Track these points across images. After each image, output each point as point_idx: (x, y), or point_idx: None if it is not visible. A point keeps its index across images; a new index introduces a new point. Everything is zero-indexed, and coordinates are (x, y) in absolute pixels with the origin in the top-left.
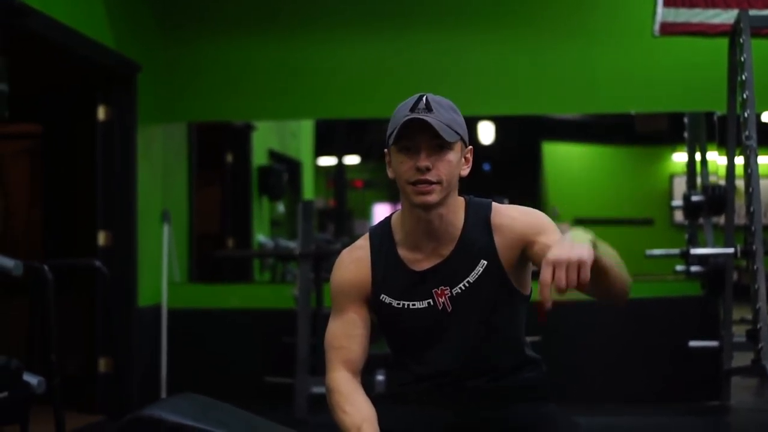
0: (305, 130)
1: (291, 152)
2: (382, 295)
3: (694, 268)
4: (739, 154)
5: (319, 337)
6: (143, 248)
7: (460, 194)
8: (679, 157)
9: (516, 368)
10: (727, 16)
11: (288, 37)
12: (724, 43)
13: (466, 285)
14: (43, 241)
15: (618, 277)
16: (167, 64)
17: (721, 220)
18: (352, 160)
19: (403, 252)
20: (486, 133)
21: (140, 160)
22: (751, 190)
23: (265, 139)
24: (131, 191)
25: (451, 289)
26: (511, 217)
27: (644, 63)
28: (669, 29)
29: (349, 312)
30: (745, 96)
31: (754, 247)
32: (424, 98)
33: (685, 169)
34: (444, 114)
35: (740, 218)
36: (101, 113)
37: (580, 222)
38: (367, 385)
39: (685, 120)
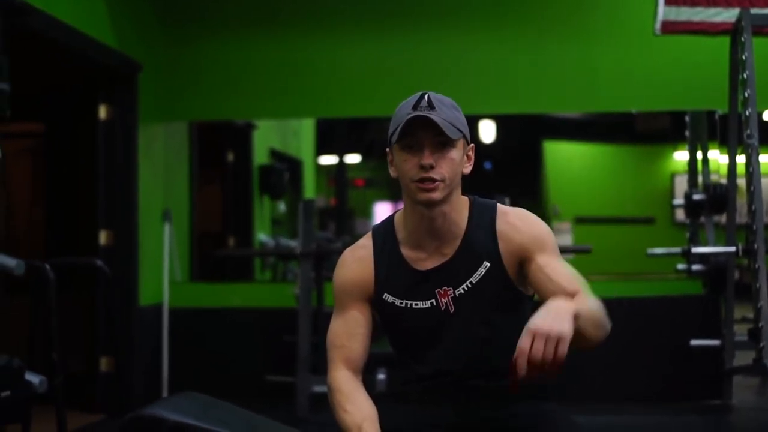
0: (306, 128)
1: (292, 151)
2: (385, 294)
3: (695, 267)
4: (741, 153)
5: (320, 336)
6: (144, 247)
7: (462, 193)
8: (681, 156)
9: None
10: (728, 15)
11: (289, 36)
12: (725, 41)
13: (469, 286)
14: (45, 240)
15: (594, 337)
16: (168, 63)
17: (723, 218)
18: (353, 158)
19: (406, 251)
20: (487, 131)
21: (141, 159)
22: (752, 188)
23: (266, 138)
24: (132, 190)
25: (454, 289)
26: (515, 226)
27: (645, 61)
28: (670, 28)
29: (351, 311)
30: (746, 94)
31: (755, 246)
32: (426, 96)
33: (686, 167)
34: (446, 111)
35: (741, 217)
36: (103, 112)
37: (582, 220)
38: (368, 384)
39: (687, 118)
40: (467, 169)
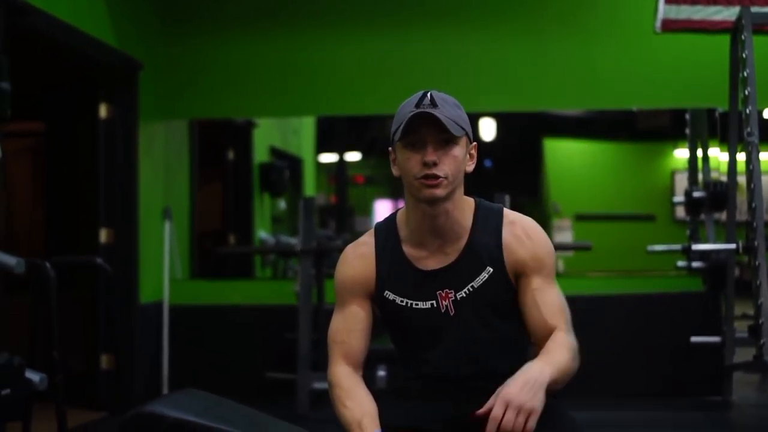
0: (306, 126)
1: (292, 149)
2: (386, 292)
3: (695, 264)
4: (741, 151)
5: (320, 333)
6: (145, 245)
7: (465, 192)
8: (681, 153)
9: (514, 370)
10: (728, 13)
11: (289, 35)
12: (725, 39)
13: (471, 290)
14: (45, 239)
15: (561, 385)
16: (169, 61)
17: (723, 216)
18: (353, 156)
19: (407, 249)
20: (487, 129)
21: (142, 158)
22: (752, 186)
23: (267, 136)
24: (133, 188)
25: (456, 293)
26: (520, 239)
27: (646, 59)
28: (670, 26)
29: (351, 307)
30: (746, 92)
31: (755, 243)
32: (428, 94)
33: (686, 165)
34: (449, 109)
35: (742, 214)
36: (103, 111)
37: (582, 218)
38: (369, 381)
39: (687, 116)
40: (470, 167)
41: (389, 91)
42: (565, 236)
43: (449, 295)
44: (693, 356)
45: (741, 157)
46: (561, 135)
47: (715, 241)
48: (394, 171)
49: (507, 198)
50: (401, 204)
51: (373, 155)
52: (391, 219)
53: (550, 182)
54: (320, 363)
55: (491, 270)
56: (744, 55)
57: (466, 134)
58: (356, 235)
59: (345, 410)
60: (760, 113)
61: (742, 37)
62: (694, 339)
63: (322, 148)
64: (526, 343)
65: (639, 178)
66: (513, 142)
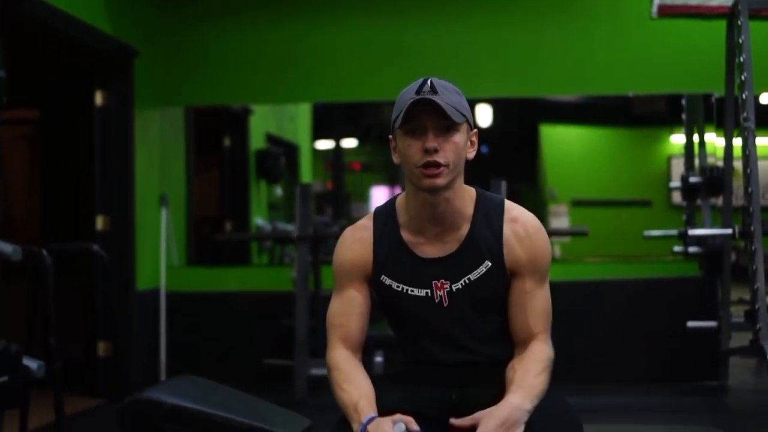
0: (303, 113)
1: (288, 136)
2: (383, 276)
3: (692, 249)
4: (737, 136)
5: (317, 320)
6: (141, 232)
7: (465, 180)
8: (677, 139)
9: (507, 361)
10: None
11: (285, 21)
12: (722, 24)
13: (466, 282)
14: (42, 226)
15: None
16: (164, 48)
17: (719, 201)
18: (349, 143)
19: (406, 235)
20: (484, 115)
21: (138, 145)
22: (748, 171)
23: (263, 123)
24: (129, 176)
25: (451, 284)
26: (520, 238)
27: (642, 45)
28: (667, 11)
29: (349, 291)
30: (743, 77)
31: (752, 228)
32: (429, 81)
33: (683, 150)
34: (450, 96)
35: (738, 199)
36: (99, 98)
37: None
38: (366, 366)
39: (683, 101)
40: (471, 154)
41: (386, 78)
42: (562, 222)
43: (444, 286)
44: (689, 341)
45: (737, 142)
46: (557, 121)
47: (711, 226)
48: (395, 158)
49: (503, 184)
50: (398, 190)
51: (370, 142)
52: (390, 204)
53: (547, 168)
54: (317, 349)
55: (489, 264)
56: (740, 41)
57: (467, 121)
58: (353, 221)
59: (342, 393)
60: (756, 98)
61: (739, 22)
62: (690, 324)
63: (318, 134)
64: None
65: (635, 164)
66: (509, 128)
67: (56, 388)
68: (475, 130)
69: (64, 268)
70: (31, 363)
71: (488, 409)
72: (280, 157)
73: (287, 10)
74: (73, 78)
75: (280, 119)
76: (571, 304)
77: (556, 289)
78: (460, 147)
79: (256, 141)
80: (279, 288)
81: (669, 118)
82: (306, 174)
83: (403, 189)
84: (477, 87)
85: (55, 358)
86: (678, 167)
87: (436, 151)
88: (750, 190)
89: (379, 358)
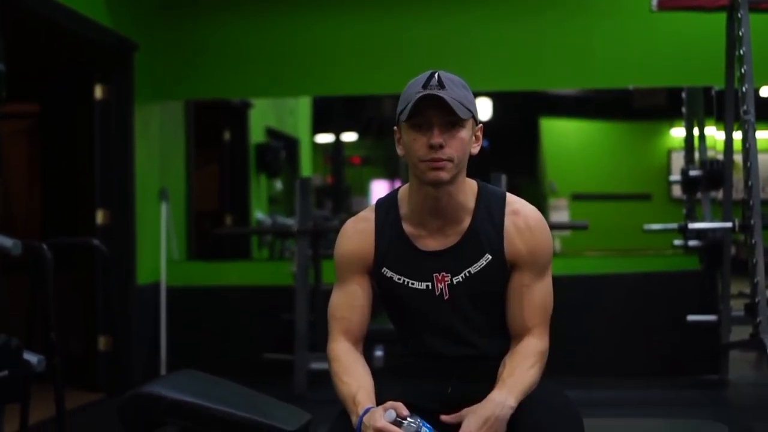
0: (303, 107)
1: (288, 129)
2: (384, 269)
3: (692, 243)
4: (737, 129)
5: (317, 314)
6: (141, 226)
7: (467, 174)
8: (677, 132)
9: (506, 353)
10: None
11: (285, 14)
12: (722, 17)
13: (467, 275)
14: (42, 221)
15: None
16: (164, 42)
17: (719, 194)
18: (349, 136)
19: (407, 227)
20: (484, 109)
21: (138, 139)
22: (748, 164)
23: (263, 117)
24: (129, 170)
25: (452, 276)
26: (521, 231)
27: (642, 38)
28: (667, 3)
29: (351, 283)
30: (743, 70)
31: (752, 222)
32: (436, 75)
33: (683, 143)
34: (457, 91)
35: (738, 193)
36: (98, 92)
37: (578, 197)
38: (366, 360)
39: (683, 95)
40: (475, 149)
41: (386, 72)
42: (562, 216)
43: (445, 279)
44: (689, 335)
45: (737, 135)
46: (557, 114)
47: (711, 220)
48: (399, 150)
49: (503, 177)
50: (398, 184)
51: (370, 136)
52: (392, 196)
53: (547, 162)
54: (318, 343)
55: (490, 257)
56: (740, 33)
57: (473, 116)
58: (353, 215)
59: (342, 386)
60: (756, 91)
61: (739, 15)
62: (690, 317)
63: (318, 128)
64: None
65: (635, 157)
66: (509, 122)
67: (56, 383)
68: (481, 125)
69: (64, 263)
70: (31, 357)
71: (472, 407)
72: (280, 151)
73: (287, 4)
74: (73, 72)
75: (280, 113)
76: (571, 298)
77: (557, 283)
78: (465, 142)
79: (256, 135)
80: (279, 282)
81: (669, 111)
82: (306, 168)
83: (403, 183)
84: (477, 81)
85: (56, 353)
86: (678, 160)
87: (441, 147)
88: (750, 183)
89: (379, 352)
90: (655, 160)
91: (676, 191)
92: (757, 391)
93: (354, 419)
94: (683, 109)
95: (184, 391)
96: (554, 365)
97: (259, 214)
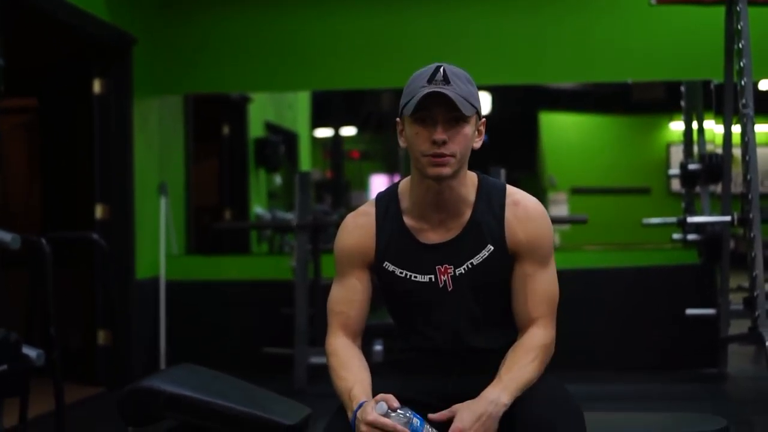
0: (302, 101)
1: (287, 124)
2: (386, 263)
3: (690, 237)
4: (736, 123)
5: (317, 308)
6: (140, 221)
7: (468, 167)
8: (676, 126)
9: (509, 346)
10: None
11: (284, 9)
12: (720, 11)
13: (470, 266)
14: (42, 215)
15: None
16: (163, 36)
17: (718, 188)
18: (348, 131)
19: (408, 220)
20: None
21: (136, 133)
22: (747, 158)
23: (262, 111)
24: (128, 164)
25: (455, 268)
26: (522, 221)
27: (641, 32)
28: None
29: (351, 278)
30: (741, 64)
31: (750, 215)
32: (441, 69)
33: (681, 137)
34: (462, 86)
35: (737, 186)
36: (97, 86)
37: (578, 191)
38: (365, 355)
39: (682, 88)
40: (478, 143)
41: (385, 65)
42: (561, 210)
43: (448, 271)
44: (688, 328)
45: (736, 129)
46: (557, 108)
47: (710, 214)
48: (401, 142)
49: (502, 172)
50: (397, 179)
51: (369, 130)
52: (393, 189)
53: (546, 155)
54: (317, 338)
55: (492, 248)
56: (739, 27)
57: (476, 111)
58: (352, 209)
59: (339, 381)
60: (755, 85)
61: (737, 8)
62: (689, 311)
63: (317, 122)
64: None
65: (634, 151)
66: (509, 116)
67: (56, 377)
68: (484, 119)
69: (63, 257)
70: (30, 351)
71: (465, 403)
72: (279, 145)
73: None
74: (72, 66)
75: (279, 107)
76: (571, 292)
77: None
78: (468, 138)
79: (255, 129)
80: (278, 277)
81: (668, 105)
82: (305, 162)
83: (403, 177)
84: (476, 75)
85: (55, 347)
86: (677, 154)
87: (444, 143)
88: (749, 177)
89: (378, 347)
90: (654, 153)
91: (675, 185)
92: (756, 385)
93: (350, 414)
94: (682, 103)
95: (183, 385)
96: (554, 359)
97: (258, 209)
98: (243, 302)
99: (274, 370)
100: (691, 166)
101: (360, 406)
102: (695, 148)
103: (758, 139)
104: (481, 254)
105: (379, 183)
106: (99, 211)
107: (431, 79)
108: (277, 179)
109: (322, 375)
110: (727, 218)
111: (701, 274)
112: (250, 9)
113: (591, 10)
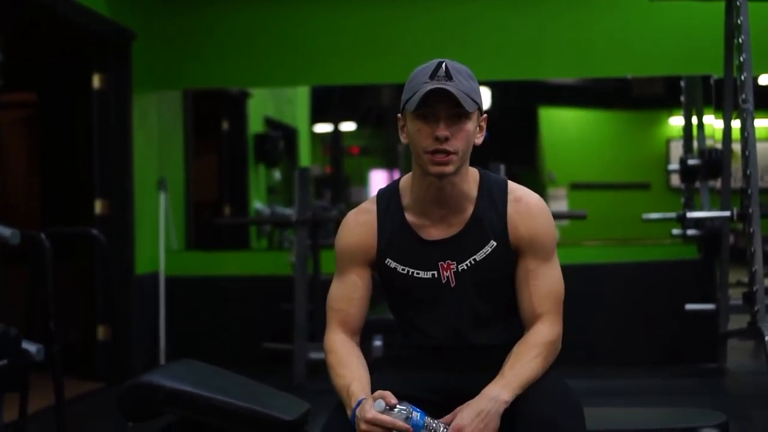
0: (301, 96)
1: (287, 119)
2: (388, 260)
3: (690, 232)
4: (736, 118)
5: (316, 304)
6: (140, 216)
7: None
8: (676, 121)
9: (511, 343)
10: None
11: (284, 4)
12: (720, 6)
13: (473, 262)
14: (41, 210)
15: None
16: (162, 31)
17: (718, 183)
18: (348, 126)
19: (410, 217)
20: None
21: (136, 128)
22: (747, 153)
23: (261, 106)
24: (127, 159)
25: (458, 264)
26: (524, 217)
27: (641, 27)
28: None
29: (351, 275)
30: (741, 59)
31: (750, 210)
32: (443, 65)
33: (681, 132)
34: (464, 82)
35: (736, 181)
36: (96, 81)
37: (577, 186)
38: (364, 350)
39: (682, 83)
40: (479, 139)
41: (385, 61)
42: (560, 205)
43: (451, 267)
44: (688, 323)
45: (736, 124)
46: (556, 103)
47: (709, 209)
48: (402, 138)
49: (502, 167)
50: (396, 175)
51: (369, 125)
52: (394, 186)
53: (546, 151)
54: (316, 333)
55: (495, 244)
56: (739, 22)
57: (478, 107)
58: (351, 205)
59: (337, 378)
60: (755, 80)
61: (737, 3)
62: (688, 306)
63: (316, 118)
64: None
65: (634, 146)
66: (508, 111)
67: (56, 372)
68: (485, 115)
69: (63, 252)
70: (30, 347)
71: (467, 402)
72: (279, 140)
73: None
74: (71, 61)
75: (278, 102)
76: (570, 288)
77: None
78: (470, 134)
79: (255, 124)
80: (278, 272)
81: (668, 100)
82: (304, 158)
83: (403, 173)
84: (476, 70)
85: (55, 342)
86: (677, 150)
87: (447, 139)
88: (748, 172)
89: (377, 342)
90: (653, 149)
91: (675, 180)
92: (755, 379)
93: (348, 412)
94: (682, 98)
95: (182, 380)
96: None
97: (257, 204)
98: (242, 298)
99: (273, 366)
100: (691, 162)
101: (359, 403)
102: (695, 144)
103: (758, 134)
104: (483, 250)
105: (378, 178)
106: (98, 207)
107: (433, 75)
108: (277, 175)
109: (322, 370)
110: (727, 213)
111: (701, 269)
112: (249, 4)
113: (591, 6)
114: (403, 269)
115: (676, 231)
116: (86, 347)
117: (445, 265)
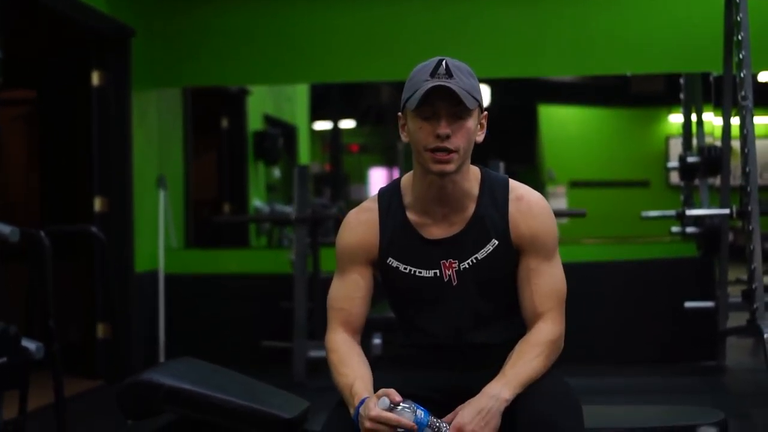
0: (300, 94)
1: (286, 117)
2: (389, 259)
3: (689, 229)
4: (735, 115)
5: (316, 302)
6: (139, 214)
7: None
8: (675, 119)
9: (512, 342)
10: None
11: (283, 1)
12: (720, 2)
13: (474, 261)
14: (41, 208)
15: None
16: (162, 29)
17: (717, 181)
18: (347, 124)
19: (412, 216)
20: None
21: (135, 126)
22: (746, 150)
23: (261, 104)
24: (127, 157)
25: (459, 263)
26: (525, 216)
27: (640, 24)
28: None
29: (352, 274)
30: (741, 56)
31: (749, 208)
32: (444, 63)
33: (680, 130)
34: (464, 80)
35: (736, 179)
36: (95, 79)
37: (577, 184)
38: (364, 349)
39: (681, 81)
40: (480, 137)
41: (384, 58)
42: (560, 203)
43: (453, 265)
44: (687, 321)
45: (735, 121)
46: (556, 101)
47: (709, 207)
48: (403, 137)
49: (501, 165)
50: (396, 172)
51: (368, 123)
52: (395, 184)
53: (545, 149)
54: (316, 331)
55: (496, 242)
56: (738, 19)
57: (479, 105)
58: (351, 203)
59: (339, 377)
60: (754, 77)
61: (737, 0)
62: (687, 304)
63: (316, 115)
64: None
65: (633, 144)
66: (508, 109)
67: (55, 370)
68: (486, 112)
69: (62, 250)
70: (30, 344)
71: (468, 400)
72: (278, 138)
73: None
74: (70, 58)
75: (277, 100)
76: (569, 286)
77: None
78: (471, 132)
79: (254, 122)
80: (277, 270)
81: (667, 97)
82: (304, 155)
83: (402, 171)
84: (475, 68)
85: (54, 340)
86: (676, 147)
87: (448, 137)
88: (748, 169)
89: (377, 340)
90: (653, 146)
91: (674, 178)
92: (754, 377)
93: (352, 411)
94: (681, 96)
95: (182, 378)
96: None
97: (257, 202)
98: (242, 296)
99: (273, 364)
100: (690, 159)
101: (362, 402)
102: (694, 141)
103: (757, 131)
104: (485, 249)
105: (378, 176)
106: (98, 204)
107: (434, 73)
108: (276, 172)
109: (321, 368)
110: (726, 211)
111: (700, 266)
112: (249, 2)
113: (590, 3)
114: (405, 268)
115: (675, 228)
116: (86, 345)
117: (447, 264)
